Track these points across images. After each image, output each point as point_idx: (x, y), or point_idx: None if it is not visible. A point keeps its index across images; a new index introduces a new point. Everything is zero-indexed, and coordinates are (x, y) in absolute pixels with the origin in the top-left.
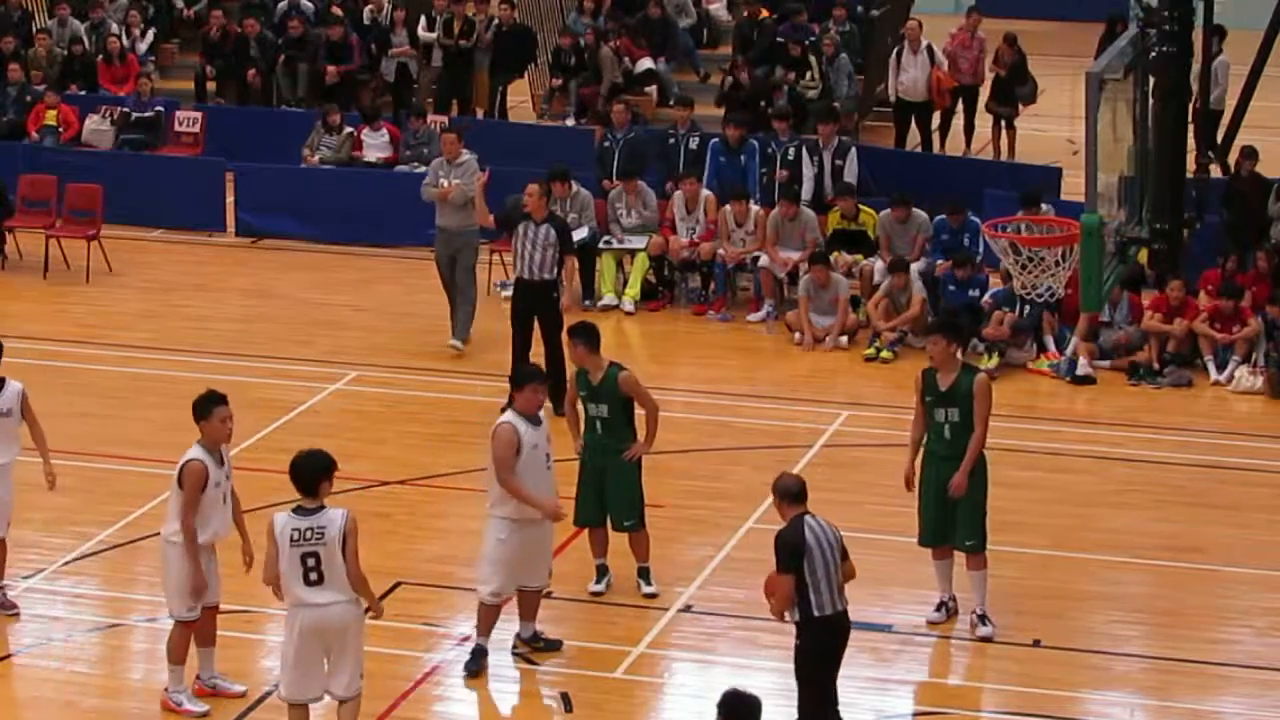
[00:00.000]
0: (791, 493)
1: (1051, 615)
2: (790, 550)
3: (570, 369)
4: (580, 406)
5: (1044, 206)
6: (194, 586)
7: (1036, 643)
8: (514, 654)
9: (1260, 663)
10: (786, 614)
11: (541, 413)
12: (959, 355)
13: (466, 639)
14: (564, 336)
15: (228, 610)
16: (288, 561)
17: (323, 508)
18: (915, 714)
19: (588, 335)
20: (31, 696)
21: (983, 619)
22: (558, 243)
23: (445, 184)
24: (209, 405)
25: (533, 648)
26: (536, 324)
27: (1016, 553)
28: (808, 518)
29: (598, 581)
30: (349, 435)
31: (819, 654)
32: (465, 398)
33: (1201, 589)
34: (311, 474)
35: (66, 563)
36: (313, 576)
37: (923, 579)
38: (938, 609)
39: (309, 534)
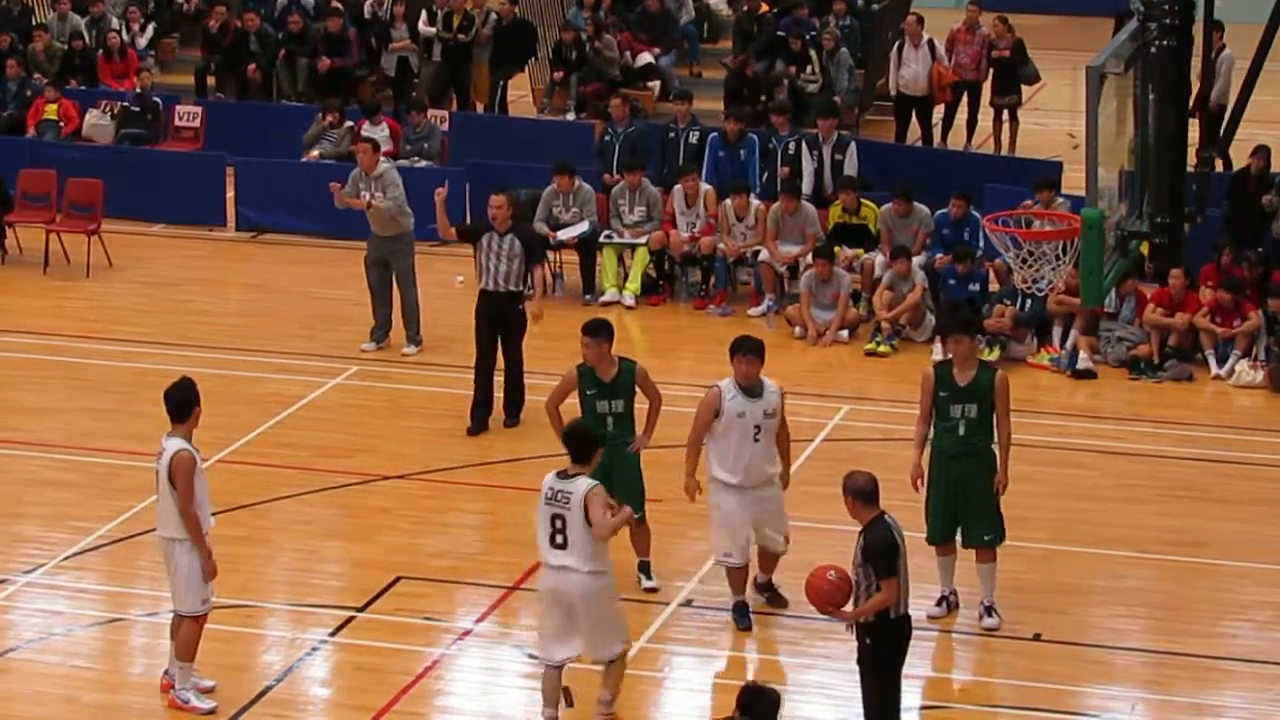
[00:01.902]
0: (866, 492)
1: (1052, 610)
2: (890, 554)
3: (566, 369)
4: (581, 404)
5: (1059, 200)
6: (207, 572)
7: (1037, 637)
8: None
9: (1261, 657)
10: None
11: (768, 385)
12: (976, 351)
13: (467, 633)
14: (590, 336)
15: (229, 605)
16: (541, 519)
17: (578, 475)
18: (915, 708)
19: (611, 333)
20: (32, 691)
21: (989, 610)
22: (523, 254)
23: (366, 196)
24: (196, 392)
25: (765, 598)
26: (500, 336)
27: (1017, 547)
28: (887, 516)
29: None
30: (350, 429)
31: (894, 653)
32: (466, 392)
33: (1203, 583)
34: (586, 443)
35: (67, 558)
36: (558, 539)
37: (923, 573)
38: (938, 603)
39: (559, 497)
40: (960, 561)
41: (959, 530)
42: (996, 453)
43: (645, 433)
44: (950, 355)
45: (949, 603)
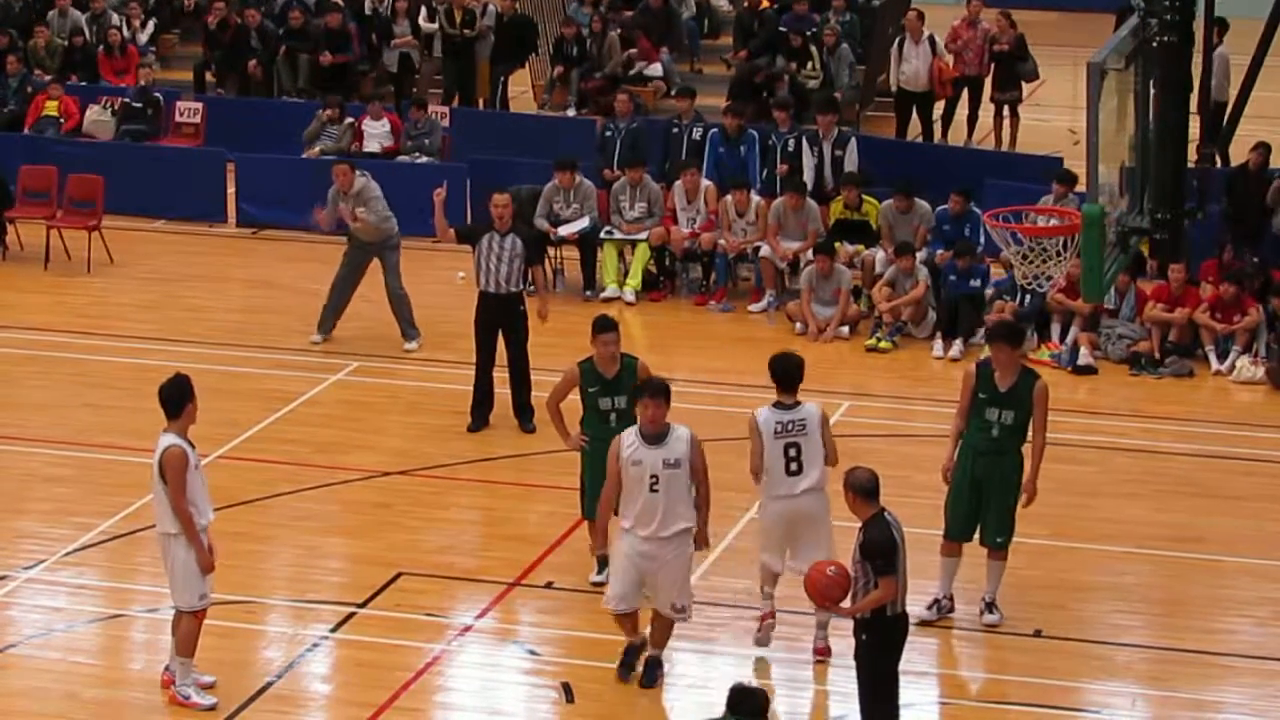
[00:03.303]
0: (867, 488)
1: (1053, 605)
2: (888, 552)
3: (567, 366)
4: (583, 401)
5: (1070, 195)
6: (204, 567)
7: (1037, 633)
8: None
9: (1261, 653)
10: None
11: (675, 431)
12: (1019, 358)
13: (468, 629)
14: (612, 332)
15: (229, 601)
16: (773, 453)
17: (799, 403)
18: (917, 705)
19: (619, 329)
20: (33, 687)
21: (990, 606)
22: (524, 253)
23: (347, 214)
24: (191, 387)
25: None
26: (501, 337)
27: (1018, 543)
28: (886, 514)
29: (599, 572)
30: (350, 426)
31: (889, 650)
32: (467, 388)
33: (1203, 579)
34: (795, 371)
35: (68, 553)
36: (793, 466)
37: (922, 570)
38: (930, 607)
39: (791, 426)
40: (965, 558)
41: (976, 529)
42: (1025, 457)
43: None
44: (993, 360)
45: (940, 607)
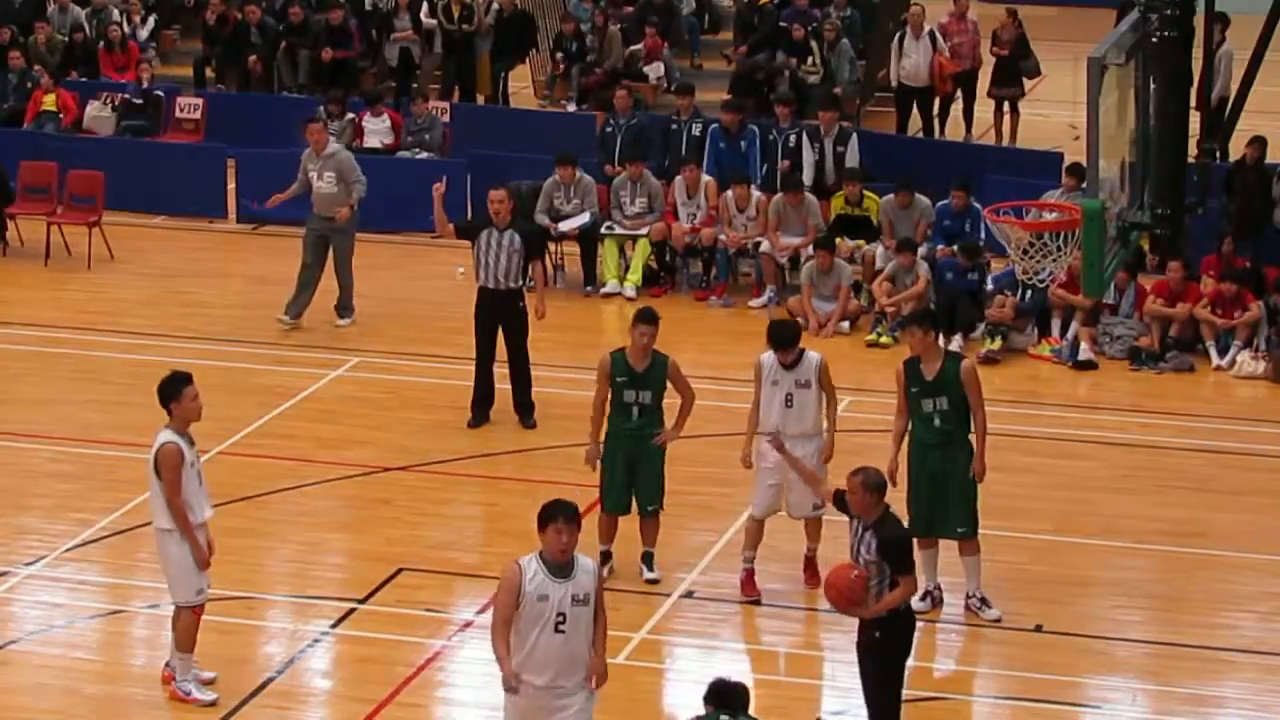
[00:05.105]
0: (878, 486)
1: (1053, 600)
2: (907, 548)
3: (599, 359)
4: (609, 394)
5: (1079, 190)
6: (201, 562)
7: (1038, 628)
8: None
9: (1262, 648)
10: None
11: (581, 562)
12: (938, 343)
13: (469, 625)
14: (655, 331)
15: (230, 597)
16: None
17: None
18: (914, 700)
19: (658, 323)
20: (34, 683)
21: (984, 602)
22: (523, 249)
23: (314, 175)
24: (179, 385)
25: None
26: (501, 333)
27: (1018, 538)
28: (893, 510)
29: (600, 567)
30: (350, 421)
31: (901, 646)
32: (467, 384)
33: (1203, 574)
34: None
35: (68, 549)
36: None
37: (922, 564)
38: (922, 598)
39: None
40: (948, 553)
41: (935, 525)
42: (972, 442)
43: (674, 426)
44: (909, 347)
45: (933, 598)
